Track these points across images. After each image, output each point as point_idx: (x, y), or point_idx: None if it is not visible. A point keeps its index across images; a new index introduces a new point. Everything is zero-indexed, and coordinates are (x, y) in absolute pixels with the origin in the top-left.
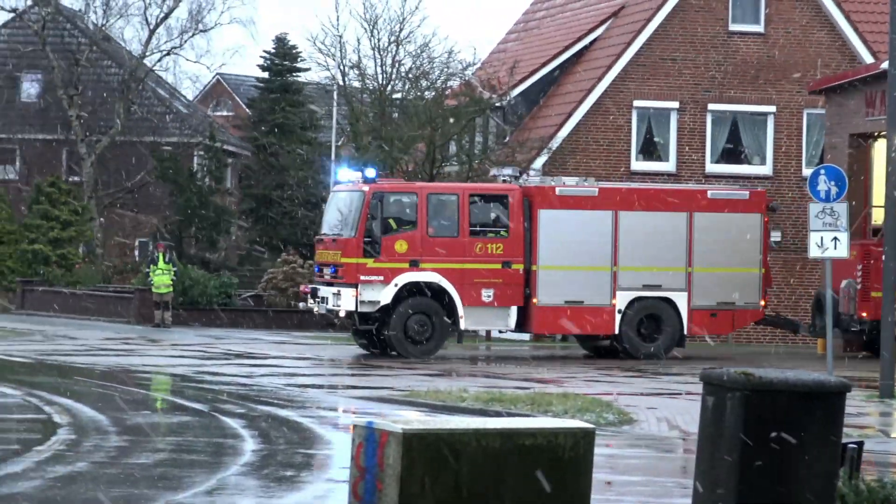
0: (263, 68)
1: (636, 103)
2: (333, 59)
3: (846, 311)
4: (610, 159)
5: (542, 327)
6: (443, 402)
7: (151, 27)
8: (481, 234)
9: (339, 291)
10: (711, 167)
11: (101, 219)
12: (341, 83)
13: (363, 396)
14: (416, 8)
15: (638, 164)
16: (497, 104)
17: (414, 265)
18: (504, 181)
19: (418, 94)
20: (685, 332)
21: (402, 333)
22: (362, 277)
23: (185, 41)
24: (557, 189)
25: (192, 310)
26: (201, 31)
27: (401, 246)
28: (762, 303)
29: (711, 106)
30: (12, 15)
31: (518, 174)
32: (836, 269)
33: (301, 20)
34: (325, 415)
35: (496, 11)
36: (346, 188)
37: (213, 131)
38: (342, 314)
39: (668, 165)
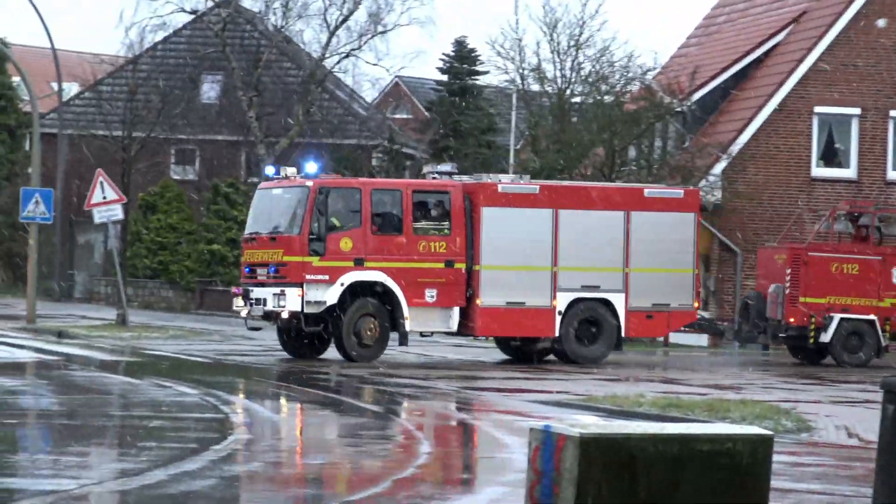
0: (443, 71)
1: (817, 109)
2: (513, 63)
3: (774, 316)
4: (790, 165)
5: (486, 329)
6: (620, 406)
7: (331, 29)
8: (424, 232)
9: (282, 291)
10: (893, 174)
11: None
12: (520, 86)
13: (539, 400)
14: (596, 12)
15: (818, 171)
16: (677, 109)
17: (359, 264)
18: (434, 178)
19: (597, 97)
20: (622, 334)
21: (352, 335)
22: (308, 277)
23: (365, 43)
24: (499, 186)
25: None
26: (380, 32)
27: (346, 244)
28: (696, 304)
29: (893, 112)
30: (193, 17)
31: (457, 171)
32: (765, 273)
33: (480, 24)
34: (500, 418)
35: (677, 17)
36: (284, 184)
37: (392, 133)
38: (285, 315)
39: (849, 172)
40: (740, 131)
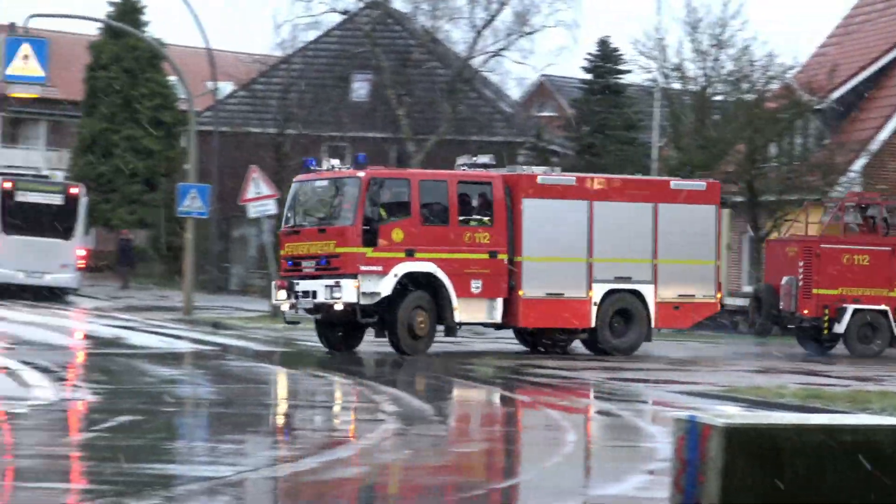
0: (587, 70)
1: None
2: (655, 62)
3: (787, 308)
4: None
5: (528, 320)
6: (762, 397)
7: (478, 29)
8: (468, 223)
9: (336, 283)
10: None
11: None
12: (663, 85)
13: (683, 391)
14: (738, 12)
15: None
16: (817, 107)
17: (410, 255)
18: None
19: (739, 96)
20: (652, 325)
21: (406, 328)
22: (362, 268)
23: (511, 43)
24: (539, 178)
25: None
26: (527, 33)
27: (397, 234)
28: (718, 296)
29: None
30: (344, 17)
31: (494, 163)
32: (777, 265)
33: (623, 23)
34: (645, 408)
35: (816, 16)
36: (329, 175)
37: (539, 130)
38: (338, 307)
39: None
40: (880, 128)
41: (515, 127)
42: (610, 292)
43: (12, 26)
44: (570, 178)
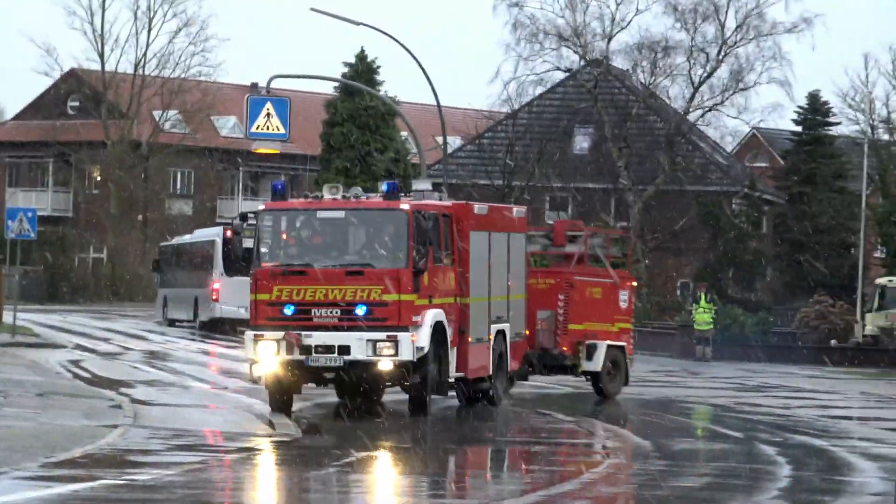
0: (797, 122)
1: None
2: (863, 114)
3: (547, 344)
4: None
5: (474, 371)
6: None
7: (695, 86)
8: (439, 262)
9: (391, 338)
10: None
11: (647, 261)
12: (871, 136)
13: (893, 428)
14: None
15: None
16: None
17: (430, 301)
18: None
19: None
20: (510, 368)
21: (426, 385)
22: (414, 318)
23: (726, 99)
24: (475, 208)
25: (731, 345)
26: (741, 89)
27: (425, 278)
28: (527, 333)
29: None
30: (567, 74)
31: (431, 188)
32: (534, 299)
33: (831, 75)
34: (856, 444)
35: None
36: (356, 205)
37: (752, 180)
38: (386, 367)
39: None
40: None
41: (729, 178)
42: (497, 334)
43: (255, 86)
44: (483, 207)
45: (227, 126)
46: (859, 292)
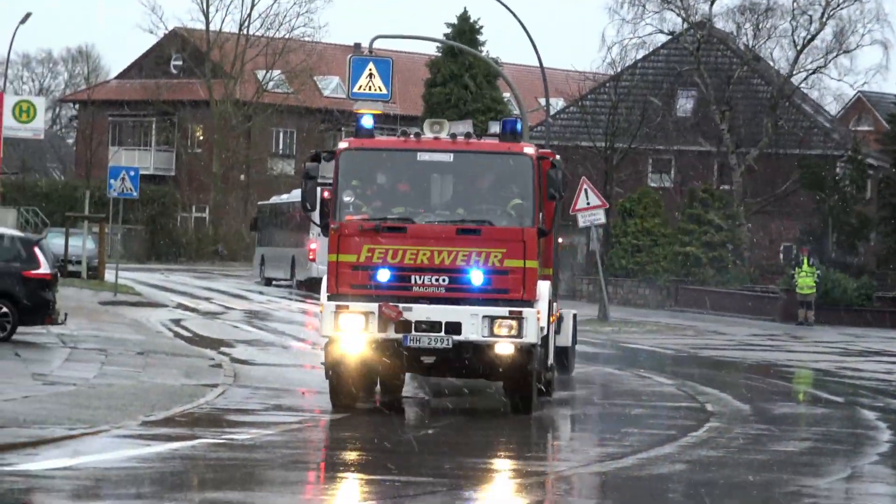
0: None
1: None
2: None
3: None
4: None
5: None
6: None
7: (798, 48)
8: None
9: (515, 314)
10: None
11: (750, 224)
12: None
13: None
14: None
15: None
16: None
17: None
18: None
19: None
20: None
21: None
22: (539, 291)
23: (830, 61)
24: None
25: (834, 309)
26: (844, 51)
27: (544, 243)
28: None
29: None
30: (670, 37)
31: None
32: None
33: None
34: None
35: None
36: (466, 146)
37: (856, 144)
38: (507, 351)
39: None
40: None
41: (833, 141)
42: None
43: (357, 46)
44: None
45: (330, 86)
46: None
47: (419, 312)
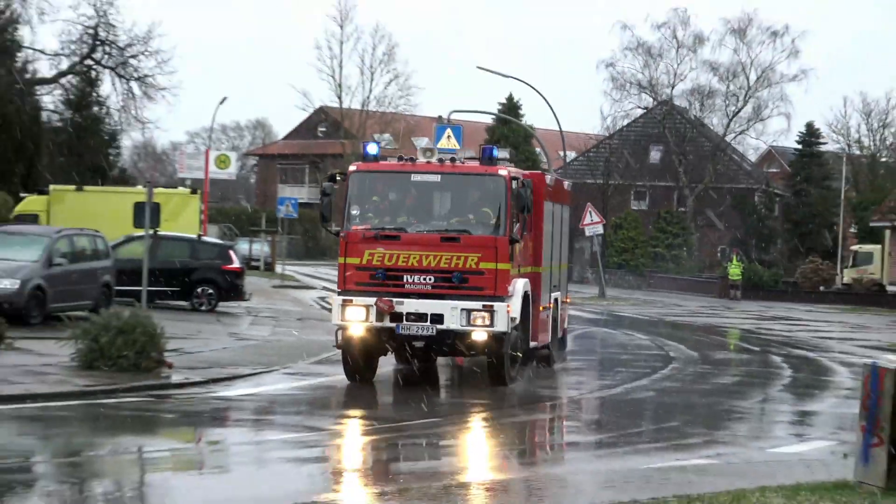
0: (798, 142)
1: None
2: (843, 137)
3: None
4: None
5: (542, 337)
6: None
7: (729, 118)
8: (526, 232)
9: (487, 307)
10: None
11: (697, 233)
12: (847, 151)
13: (861, 345)
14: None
15: None
16: None
17: (519, 270)
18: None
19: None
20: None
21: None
22: (509, 289)
23: (750, 126)
24: (547, 178)
25: (753, 289)
26: (760, 119)
27: (517, 246)
28: (566, 300)
29: None
30: (644, 111)
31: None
32: None
33: (820, 110)
34: (836, 356)
35: None
36: (452, 168)
37: (768, 181)
38: (480, 337)
39: None
40: None
41: (753, 179)
42: (552, 302)
43: (440, 118)
44: (551, 178)
45: (421, 144)
46: (839, 255)
47: (409, 305)
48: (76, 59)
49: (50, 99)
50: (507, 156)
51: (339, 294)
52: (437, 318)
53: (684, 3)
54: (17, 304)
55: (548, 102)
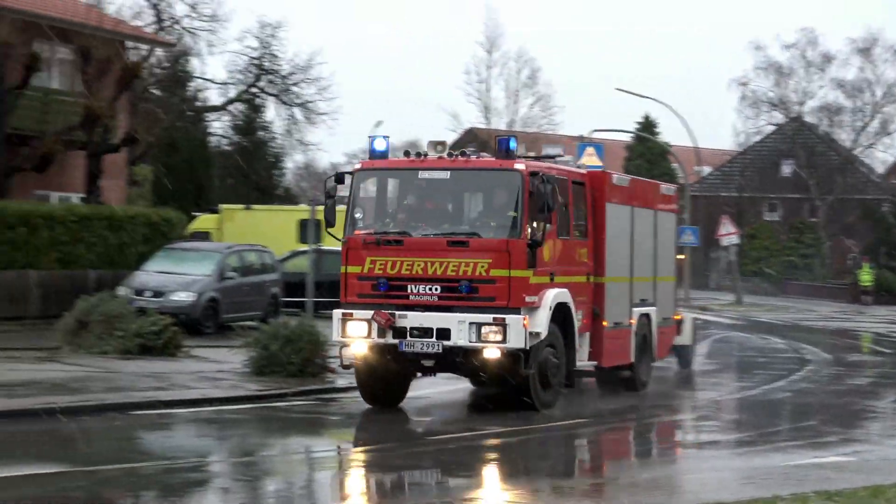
0: None
1: None
2: None
3: None
4: None
5: (609, 358)
6: None
7: (857, 132)
8: (574, 236)
9: (498, 321)
10: None
11: (829, 242)
12: None
13: None
14: None
15: None
16: None
17: (552, 279)
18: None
19: None
20: (654, 356)
21: (538, 374)
22: (527, 299)
23: (878, 140)
24: (614, 177)
25: (884, 295)
26: (886, 133)
27: (546, 252)
28: (676, 318)
29: None
30: (776, 127)
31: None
32: None
33: None
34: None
35: None
36: (462, 164)
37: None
38: (492, 355)
39: None
40: None
41: (881, 190)
42: (640, 317)
43: (581, 137)
44: (625, 177)
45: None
46: None
47: (413, 319)
48: (243, 87)
49: (219, 125)
50: (561, 152)
51: (340, 307)
52: (444, 334)
53: (812, 22)
54: (193, 315)
55: (684, 122)
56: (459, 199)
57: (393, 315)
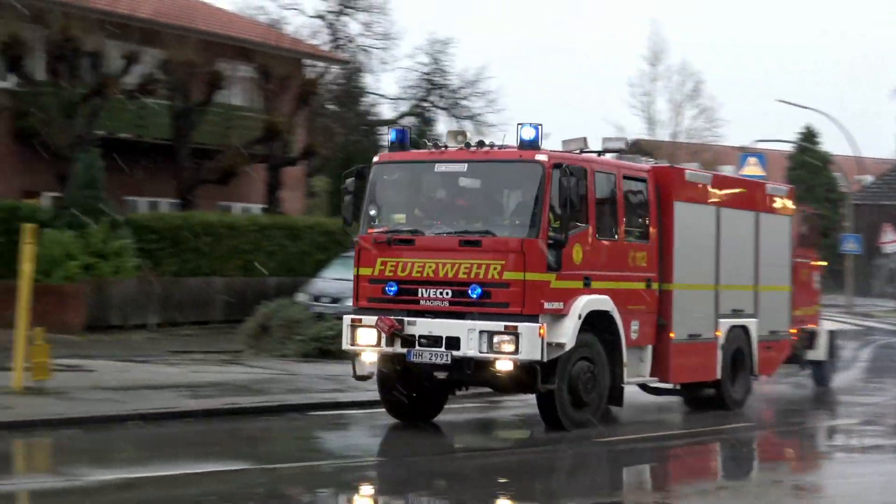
0: None
1: None
2: None
3: None
4: None
5: (679, 374)
6: None
7: None
8: (627, 238)
9: (510, 329)
10: None
11: None
12: None
13: None
14: None
15: None
16: None
17: (587, 284)
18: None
19: None
20: (754, 372)
21: (567, 391)
22: (546, 306)
23: None
24: (687, 173)
25: None
26: None
27: (577, 253)
28: (792, 332)
29: None
30: None
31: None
32: None
33: None
34: None
35: None
36: (481, 156)
37: None
38: (505, 367)
39: None
40: None
41: None
42: (730, 330)
43: (743, 148)
44: (706, 175)
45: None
46: None
47: (422, 326)
48: (414, 101)
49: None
50: (625, 146)
51: (352, 312)
52: (453, 343)
53: None
54: None
55: (845, 131)
56: (477, 193)
57: (401, 322)
